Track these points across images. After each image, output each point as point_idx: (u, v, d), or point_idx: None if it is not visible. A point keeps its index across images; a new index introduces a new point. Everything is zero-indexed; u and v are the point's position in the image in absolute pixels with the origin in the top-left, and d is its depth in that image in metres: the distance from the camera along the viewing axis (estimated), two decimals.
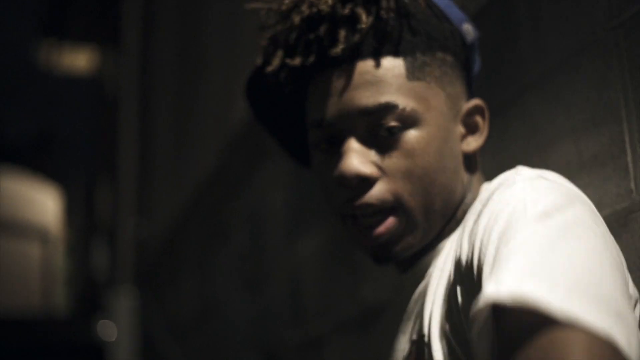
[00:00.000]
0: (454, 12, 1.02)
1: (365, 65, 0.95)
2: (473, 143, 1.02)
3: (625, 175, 0.96)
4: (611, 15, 1.00)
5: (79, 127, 10.76)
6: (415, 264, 1.02)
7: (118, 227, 6.96)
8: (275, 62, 1.00)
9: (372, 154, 0.95)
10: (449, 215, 1.00)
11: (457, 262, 0.89)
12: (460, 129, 1.01)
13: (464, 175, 1.01)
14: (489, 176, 1.05)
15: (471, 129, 1.03)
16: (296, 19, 0.97)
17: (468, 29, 1.03)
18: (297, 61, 0.97)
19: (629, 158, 0.96)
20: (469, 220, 0.91)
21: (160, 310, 5.19)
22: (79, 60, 10.69)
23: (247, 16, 3.08)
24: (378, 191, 0.95)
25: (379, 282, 1.69)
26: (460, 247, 0.89)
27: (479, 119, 1.03)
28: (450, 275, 0.91)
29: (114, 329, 6.12)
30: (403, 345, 1.01)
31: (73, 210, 10.15)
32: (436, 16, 0.99)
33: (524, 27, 1.18)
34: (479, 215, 0.87)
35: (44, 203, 8.44)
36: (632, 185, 0.95)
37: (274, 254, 2.51)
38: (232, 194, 3.09)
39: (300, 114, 1.06)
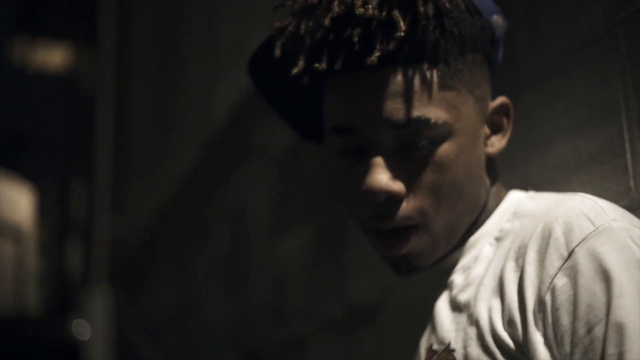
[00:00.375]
0: (486, 3, 0.96)
1: (396, 74, 0.90)
2: (497, 144, 0.99)
3: (624, 174, 0.96)
4: (611, 12, 1.00)
5: (53, 125, 10.68)
6: (434, 264, 0.99)
7: (93, 225, 6.91)
8: (300, 63, 0.94)
9: (400, 168, 0.91)
10: (472, 221, 0.98)
11: (529, 292, 0.86)
12: (485, 130, 0.98)
13: (486, 179, 0.98)
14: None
15: (495, 129, 0.99)
16: (326, 18, 0.91)
17: (498, 21, 0.97)
18: (324, 65, 0.92)
19: (628, 156, 0.96)
20: (533, 242, 0.88)
21: (136, 310, 5.16)
22: (53, 57, 10.61)
23: (228, 11, 3.06)
24: (405, 210, 0.92)
25: (366, 281, 1.68)
26: (525, 272, 0.86)
27: (504, 119, 0.99)
28: (504, 297, 0.88)
29: (88, 328, 6.08)
30: (415, 350, 0.99)
31: (47, 208, 10.08)
32: (469, 11, 0.94)
33: (521, 25, 1.17)
34: (547, 243, 0.85)
35: (16, 201, 8.38)
36: (632, 183, 0.95)
37: (256, 252, 2.50)
38: (213, 192, 3.07)
39: (309, 92, 1.02)
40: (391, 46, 0.88)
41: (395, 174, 0.91)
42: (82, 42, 9.46)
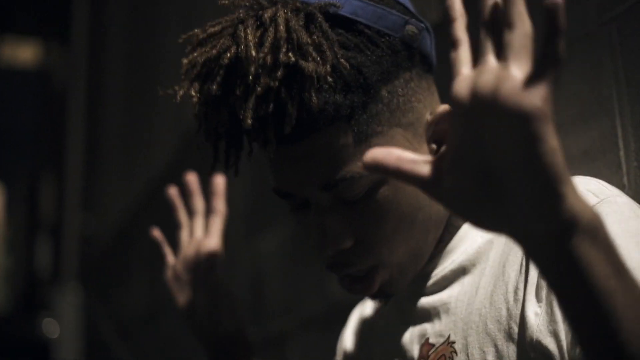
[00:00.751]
0: (391, 20, 0.91)
1: (309, 142, 0.89)
2: None
3: (617, 171, 0.96)
4: (604, 9, 0.99)
5: (23, 121, 10.59)
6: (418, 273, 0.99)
7: (63, 222, 6.85)
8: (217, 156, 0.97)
9: (344, 221, 0.91)
10: (439, 231, 0.97)
11: None
12: (431, 146, 0.94)
13: None
14: None
15: (442, 140, 0.95)
16: (221, 124, 0.92)
17: (411, 30, 0.92)
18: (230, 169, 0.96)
19: (622, 153, 0.95)
20: None
21: (106, 308, 5.11)
22: (23, 53, 10.52)
23: (203, 10, 3.04)
24: (356, 259, 0.93)
25: None
26: None
27: (447, 126, 0.94)
28: (508, 279, 0.87)
29: (57, 327, 6.04)
30: (406, 344, 0.98)
31: (16, 205, 9.99)
32: (373, 42, 0.89)
33: None
34: None
35: None
36: (625, 180, 0.95)
37: (233, 249, 2.48)
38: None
39: None
40: (286, 130, 0.86)
41: (340, 228, 0.91)
42: (53, 39, 9.39)
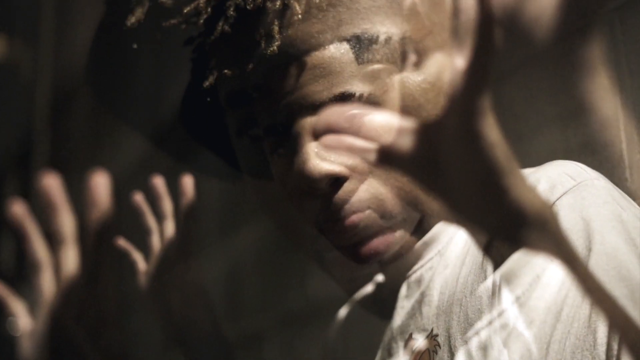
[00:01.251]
0: None
1: (309, 59, 0.88)
2: None
3: (620, 164, 0.94)
4: None
5: None
6: (398, 259, 0.94)
7: None
8: (210, 79, 0.94)
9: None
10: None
11: None
12: None
13: None
14: None
15: None
16: (225, 26, 0.91)
17: None
18: (233, 71, 0.92)
19: (624, 145, 0.94)
20: None
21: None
22: None
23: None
24: (350, 190, 0.88)
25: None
26: None
27: None
28: (487, 266, 0.84)
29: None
30: (389, 340, 0.95)
31: None
32: None
33: None
34: None
35: None
36: (627, 174, 0.93)
37: (207, 245, 2.45)
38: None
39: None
40: (290, 32, 0.87)
41: (332, 157, 0.88)
42: (20, 34, 9.31)
